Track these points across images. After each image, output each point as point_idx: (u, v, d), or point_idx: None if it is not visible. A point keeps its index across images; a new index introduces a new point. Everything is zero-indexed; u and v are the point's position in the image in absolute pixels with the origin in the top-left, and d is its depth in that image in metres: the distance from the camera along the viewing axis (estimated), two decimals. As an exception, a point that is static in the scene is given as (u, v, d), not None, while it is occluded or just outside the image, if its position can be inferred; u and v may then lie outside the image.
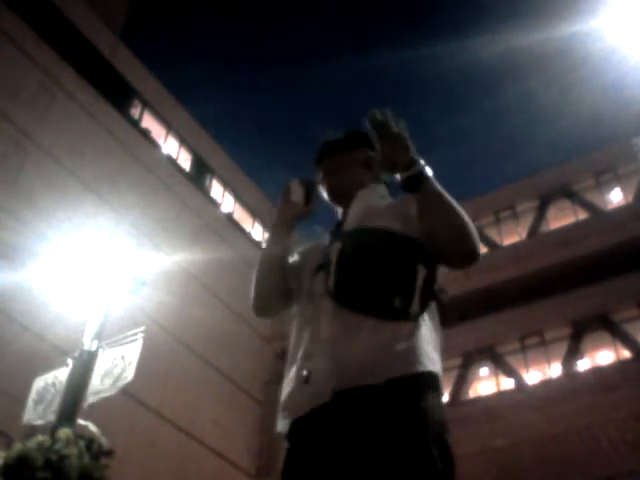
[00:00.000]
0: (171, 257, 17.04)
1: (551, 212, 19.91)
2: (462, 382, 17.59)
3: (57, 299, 8.66)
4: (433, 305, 1.62)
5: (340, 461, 1.40)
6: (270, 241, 1.87)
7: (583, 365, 16.79)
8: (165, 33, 55.70)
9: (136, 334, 5.84)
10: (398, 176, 1.61)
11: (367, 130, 1.65)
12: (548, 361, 17.10)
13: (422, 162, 1.59)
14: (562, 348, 17.01)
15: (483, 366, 18.11)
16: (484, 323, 17.35)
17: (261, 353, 19.99)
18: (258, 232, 22.61)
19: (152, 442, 15.25)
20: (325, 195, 1.93)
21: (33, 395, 6.07)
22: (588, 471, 14.09)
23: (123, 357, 5.66)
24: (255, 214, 22.85)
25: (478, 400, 17.14)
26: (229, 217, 21.78)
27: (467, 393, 17.67)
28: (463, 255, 1.60)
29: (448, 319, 1.65)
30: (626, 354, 16.27)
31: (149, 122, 19.62)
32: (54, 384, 5.89)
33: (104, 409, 6.27)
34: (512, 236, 20.09)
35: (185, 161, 20.70)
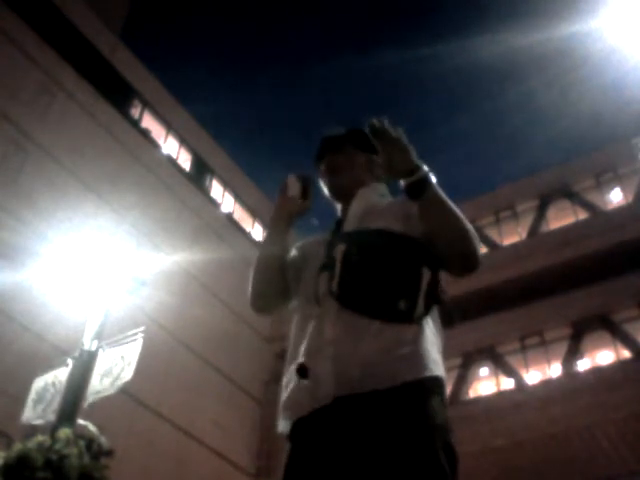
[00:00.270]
0: (171, 257, 17.04)
1: (551, 212, 19.90)
2: (462, 382, 17.59)
3: (57, 299, 8.67)
4: (436, 308, 1.62)
5: (345, 465, 1.39)
6: (268, 238, 1.86)
7: (583, 365, 16.79)
8: (165, 33, 55.73)
9: (136, 334, 5.84)
10: (402, 182, 1.61)
11: (368, 132, 1.65)
12: (548, 361, 17.10)
13: (426, 168, 1.59)
14: (562, 348, 17.01)
15: (483, 366, 18.10)
16: (484, 323, 17.33)
17: (261, 353, 19.99)
18: (258, 232, 22.61)
19: (151, 442, 15.25)
20: (325, 191, 1.92)
21: (33, 395, 6.07)
22: (588, 471, 14.09)
23: (123, 357, 5.66)
24: (255, 214, 22.85)
25: (478, 400, 17.14)
26: (229, 217, 21.78)
27: (467, 393, 17.66)
28: (463, 262, 1.61)
29: (453, 321, 1.65)
30: (626, 354, 16.27)
31: (149, 122, 19.62)
32: (54, 384, 5.89)
33: (104, 409, 6.28)
34: (512, 236, 20.09)
35: (185, 161, 20.70)
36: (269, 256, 1.82)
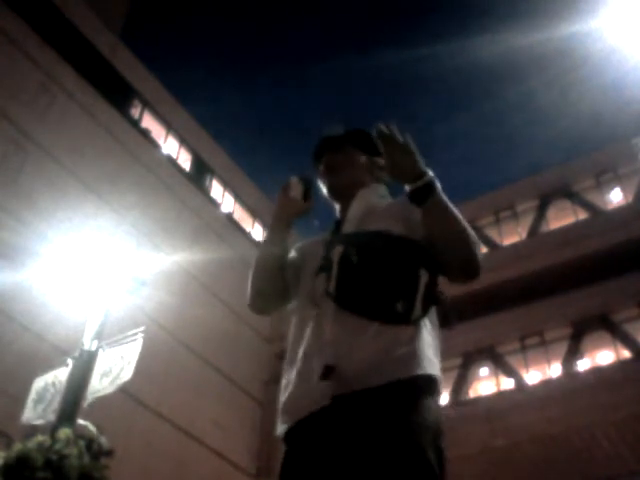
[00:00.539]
0: (171, 257, 17.04)
1: (551, 212, 19.90)
2: (462, 382, 17.59)
3: (57, 299, 8.66)
4: (433, 309, 1.62)
5: (338, 465, 1.40)
6: (268, 239, 1.86)
7: (583, 365, 16.79)
8: (165, 33, 55.70)
9: (136, 334, 5.84)
10: (406, 187, 1.61)
11: (368, 132, 1.65)
12: (548, 361, 17.10)
13: (431, 174, 1.59)
14: (562, 348, 17.01)
15: (483, 366, 18.10)
16: (484, 323, 17.33)
17: (261, 353, 19.99)
18: (258, 232, 22.61)
19: (151, 442, 15.25)
20: (324, 191, 1.92)
21: (33, 395, 6.07)
22: (588, 471, 14.09)
23: (122, 357, 5.66)
24: (255, 214, 22.86)
25: (478, 400, 17.14)
26: (229, 217, 21.78)
27: (467, 393, 17.66)
28: (465, 269, 1.61)
29: (452, 322, 1.65)
30: (626, 354, 16.27)
31: (149, 122, 19.62)
32: (54, 384, 5.89)
33: (104, 409, 6.28)
34: (512, 236, 20.09)
35: (185, 161, 20.70)
36: (269, 257, 1.81)
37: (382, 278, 1.54)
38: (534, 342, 17.50)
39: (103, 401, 5.68)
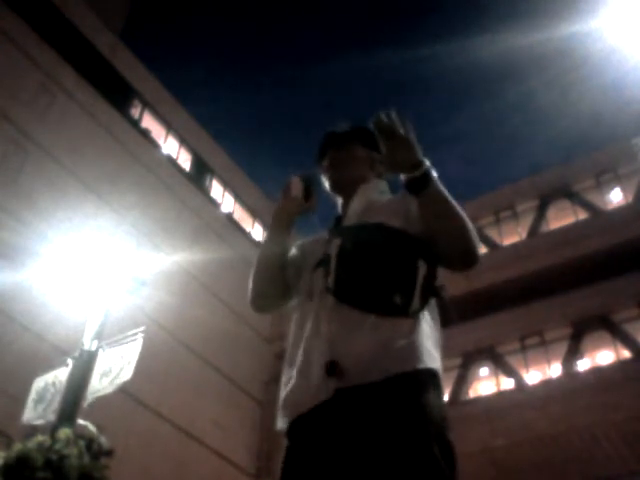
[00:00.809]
0: (171, 257, 17.04)
1: (551, 212, 19.91)
2: (462, 382, 17.59)
3: (57, 299, 8.66)
4: (433, 302, 1.62)
5: (341, 459, 1.40)
6: (269, 237, 1.86)
7: (583, 365, 16.79)
8: (165, 33, 55.70)
9: (136, 334, 5.84)
10: (403, 177, 1.60)
11: (372, 129, 1.64)
12: (548, 361, 17.10)
13: (428, 163, 1.59)
14: (562, 348, 17.01)
15: (483, 366, 18.10)
16: (484, 323, 17.33)
17: (261, 353, 19.98)
18: (258, 232, 22.60)
19: (151, 442, 15.25)
20: (326, 185, 1.92)
21: (33, 395, 6.07)
22: (588, 471, 14.09)
23: (122, 356, 5.66)
24: (255, 214, 22.85)
25: (478, 400, 17.14)
26: (229, 217, 21.78)
27: (467, 393, 17.66)
28: (463, 258, 1.60)
29: (450, 315, 1.65)
30: (626, 354, 16.27)
31: (149, 122, 19.62)
32: (54, 384, 5.89)
33: (104, 409, 6.27)
34: (512, 236, 20.09)
35: (185, 161, 20.70)
36: (270, 256, 1.82)
37: (380, 270, 1.54)
38: (534, 342, 17.50)
39: (103, 401, 5.68)
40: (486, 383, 17.93)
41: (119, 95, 18.53)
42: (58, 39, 16.95)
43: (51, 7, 17.05)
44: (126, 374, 5.52)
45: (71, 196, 15.24)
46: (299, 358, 1.59)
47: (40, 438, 5.03)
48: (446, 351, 1.61)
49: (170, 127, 20.25)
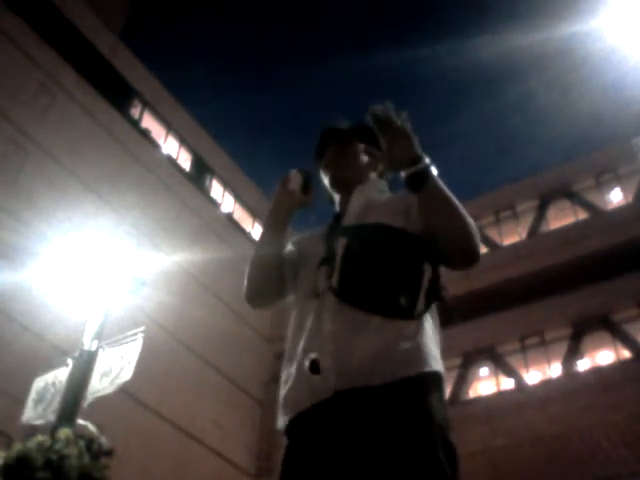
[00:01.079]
0: (171, 257, 17.04)
1: (551, 212, 19.91)
2: (462, 382, 17.59)
3: (57, 299, 8.67)
4: (435, 304, 1.61)
5: (343, 461, 1.38)
6: (265, 232, 1.84)
7: (583, 365, 16.79)
8: (165, 33, 55.71)
9: (136, 334, 5.84)
10: (402, 173, 1.59)
11: (370, 125, 1.63)
12: (548, 361, 17.10)
13: (427, 159, 1.57)
14: (562, 348, 17.01)
15: (483, 366, 18.10)
16: (484, 323, 17.34)
17: (261, 353, 19.98)
18: (258, 232, 22.57)
19: (151, 442, 15.25)
20: (325, 182, 1.90)
21: (33, 395, 6.07)
22: (588, 471, 14.08)
23: (122, 357, 5.66)
24: (255, 214, 22.85)
25: (478, 400, 17.14)
26: (229, 217, 21.78)
27: (467, 393, 17.66)
28: (463, 255, 1.58)
29: (453, 318, 1.65)
30: (626, 354, 16.27)
31: (149, 122, 19.61)
32: (54, 384, 5.89)
33: (104, 409, 6.27)
34: (512, 236, 20.09)
35: (185, 161, 20.70)
36: (266, 251, 1.79)
37: (386, 272, 1.53)
38: (534, 342, 17.50)
39: (103, 401, 5.67)
40: (486, 383, 17.93)
41: (119, 95, 18.53)
42: (58, 39, 16.95)
43: (51, 7, 17.05)
44: (126, 374, 5.52)
45: (71, 196, 15.24)
46: (298, 357, 1.57)
47: (40, 438, 5.03)
48: (446, 351, 1.61)
49: (170, 127, 20.25)
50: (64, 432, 5.07)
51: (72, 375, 5.77)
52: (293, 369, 1.58)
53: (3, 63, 15.25)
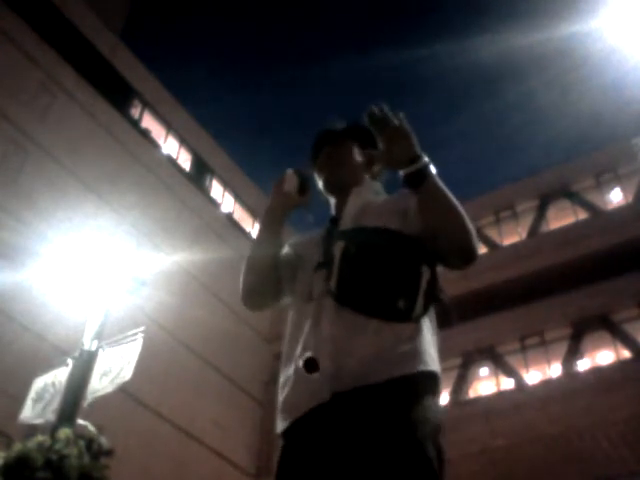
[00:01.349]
0: (171, 257, 17.04)
1: (551, 212, 19.90)
2: (462, 382, 17.58)
3: (57, 299, 8.67)
4: (432, 307, 1.61)
5: (336, 461, 1.39)
6: (261, 234, 1.83)
7: (583, 365, 16.78)
8: (165, 33, 55.72)
9: (136, 334, 5.84)
10: (401, 172, 1.59)
11: (367, 126, 1.63)
12: (548, 361, 17.09)
13: (426, 158, 1.57)
14: (562, 348, 17.01)
15: (483, 366, 18.10)
16: (484, 323, 17.33)
17: (261, 353, 19.98)
18: (258, 232, 22.58)
19: (151, 442, 15.25)
20: (320, 184, 1.89)
21: (32, 394, 6.07)
22: (588, 471, 14.08)
23: (122, 356, 5.66)
24: (255, 214, 22.84)
25: (478, 400, 17.13)
26: (229, 217, 21.78)
27: (467, 393, 17.66)
28: (462, 254, 1.58)
29: (451, 320, 1.64)
30: (626, 354, 16.26)
31: (149, 122, 19.62)
32: (53, 384, 5.88)
33: (104, 409, 6.28)
34: (512, 236, 20.09)
35: (185, 161, 20.70)
36: (261, 253, 1.79)
37: (384, 275, 1.52)
38: (534, 342, 17.50)
39: (103, 401, 5.67)
40: (486, 383, 17.93)
41: (119, 95, 18.53)
42: (58, 39, 16.95)
43: (51, 7, 17.05)
44: (126, 374, 5.51)
45: (71, 196, 15.24)
46: (296, 359, 1.57)
47: (40, 438, 5.03)
48: (446, 351, 1.61)
49: (170, 127, 20.25)
50: (64, 432, 5.07)
51: (72, 375, 5.77)
52: (291, 372, 1.58)
53: (3, 63, 15.25)
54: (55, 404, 5.64)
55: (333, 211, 1.86)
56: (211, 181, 21.53)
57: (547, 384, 16.40)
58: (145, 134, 19.25)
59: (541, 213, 20.05)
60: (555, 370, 16.90)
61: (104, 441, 5.19)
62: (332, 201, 1.88)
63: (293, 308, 1.73)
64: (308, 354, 1.51)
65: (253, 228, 22.68)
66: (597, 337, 16.86)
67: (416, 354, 1.49)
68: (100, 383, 5.60)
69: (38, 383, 6.12)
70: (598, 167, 19.47)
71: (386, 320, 1.50)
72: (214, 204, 21.31)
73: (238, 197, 22.53)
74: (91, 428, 5.25)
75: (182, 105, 21.06)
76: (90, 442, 5.10)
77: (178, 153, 20.40)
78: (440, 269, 1.62)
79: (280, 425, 1.57)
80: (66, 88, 16.82)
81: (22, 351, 11.95)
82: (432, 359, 1.52)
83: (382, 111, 1.60)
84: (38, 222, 14.06)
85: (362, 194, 1.81)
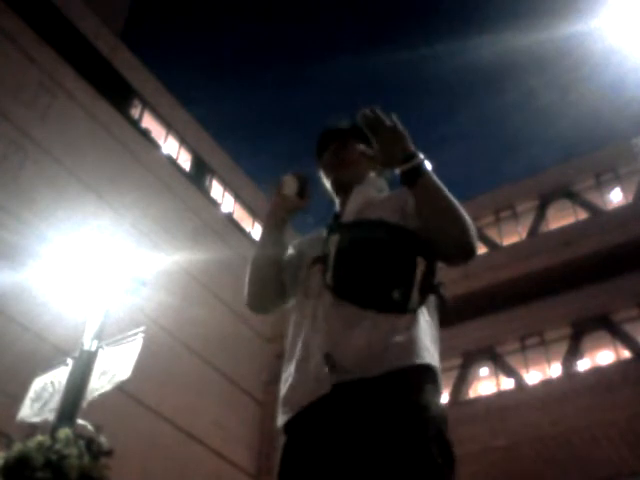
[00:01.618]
0: (171, 257, 17.03)
1: (551, 212, 19.90)
2: (462, 382, 17.59)
3: (57, 299, 8.66)
4: (432, 299, 1.61)
5: (337, 455, 1.39)
6: (263, 237, 1.84)
7: (583, 365, 16.79)
8: (165, 33, 55.74)
9: (136, 334, 5.84)
10: (397, 170, 1.60)
11: (360, 122, 1.63)
12: (548, 361, 17.09)
13: (421, 156, 1.58)
14: (562, 348, 17.01)
15: (483, 366, 18.10)
16: (484, 323, 17.33)
17: (261, 353, 19.98)
18: (258, 232, 22.56)
19: (152, 442, 15.23)
20: (326, 183, 1.91)
21: (31, 394, 6.07)
22: (588, 471, 14.09)
23: (122, 356, 5.66)
24: (255, 214, 22.85)
25: (478, 400, 17.14)
26: (229, 217, 21.78)
27: (467, 393, 17.66)
28: (460, 250, 1.58)
29: (448, 312, 1.64)
30: (626, 354, 16.27)
31: (149, 122, 19.62)
32: (53, 383, 5.88)
33: (104, 409, 6.28)
34: (512, 236, 20.09)
35: (185, 161, 20.70)
36: (264, 256, 1.79)
37: (379, 267, 1.53)
38: (534, 342, 17.50)
39: (103, 401, 5.67)
40: (486, 383, 17.93)
41: (119, 95, 18.53)
42: (58, 39, 16.95)
43: (51, 7, 17.06)
44: (125, 373, 5.52)
45: (71, 196, 15.24)
46: (297, 355, 1.59)
47: (40, 438, 5.03)
48: (446, 351, 1.61)
49: (170, 127, 20.25)
50: (64, 432, 5.07)
51: (72, 375, 5.77)
52: (292, 368, 1.59)
53: (3, 63, 15.25)
54: (53, 403, 5.64)
55: (338, 208, 1.87)
56: (211, 181, 21.53)
57: (547, 384, 16.40)
58: (145, 134, 19.25)
59: (541, 213, 20.06)
60: (555, 370, 16.91)
61: (104, 441, 5.19)
62: (337, 199, 1.89)
63: (295, 307, 1.74)
64: (324, 349, 1.51)
65: (253, 228, 22.68)
66: (597, 337, 16.87)
67: (412, 345, 1.49)
68: (99, 382, 5.60)
69: (38, 383, 6.12)
70: (598, 167, 19.47)
71: (382, 311, 1.50)
72: (214, 204, 21.31)
73: (238, 197, 22.53)
74: (91, 428, 5.25)
75: (182, 105, 21.08)
76: (90, 442, 5.10)
77: (178, 153, 20.40)
78: (439, 264, 1.62)
79: (281, 419, 1.58)
80: (66, 88, 16.82)
81: (22, 351, 11.94)
82: (428, 351, 1.52)
83: (374, 112, 1.61)
84: (38, 222, 14.06)
85: (364, 191, 1.82)
